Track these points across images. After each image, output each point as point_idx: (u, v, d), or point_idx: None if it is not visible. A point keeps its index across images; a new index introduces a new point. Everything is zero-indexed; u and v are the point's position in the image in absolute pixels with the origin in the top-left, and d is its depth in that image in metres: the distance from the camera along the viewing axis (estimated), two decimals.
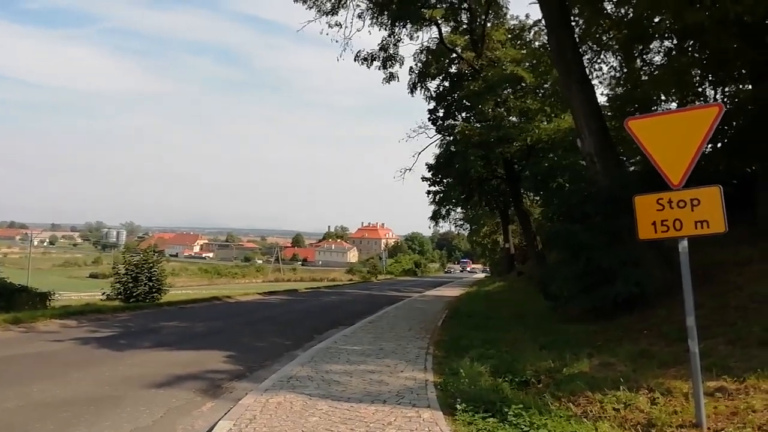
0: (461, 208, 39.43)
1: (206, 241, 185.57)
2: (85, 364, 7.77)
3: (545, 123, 24.79)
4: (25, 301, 15.13)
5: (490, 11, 26.69)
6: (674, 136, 4.92)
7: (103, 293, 22.03)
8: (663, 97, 14.78)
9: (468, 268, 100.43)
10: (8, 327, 11.15)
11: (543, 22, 15.29)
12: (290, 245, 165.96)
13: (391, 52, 26.15)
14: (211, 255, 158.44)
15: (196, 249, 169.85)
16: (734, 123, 12.94)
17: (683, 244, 4.80)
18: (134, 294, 19.86)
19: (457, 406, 5.34)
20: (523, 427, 4.70)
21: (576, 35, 13.23)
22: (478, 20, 27.26)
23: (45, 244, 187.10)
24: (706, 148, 5.38)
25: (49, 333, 10.90)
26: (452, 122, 29.48)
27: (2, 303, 13.78)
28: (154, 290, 20.56)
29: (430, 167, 30.79)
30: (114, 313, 14.65)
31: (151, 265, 20.97)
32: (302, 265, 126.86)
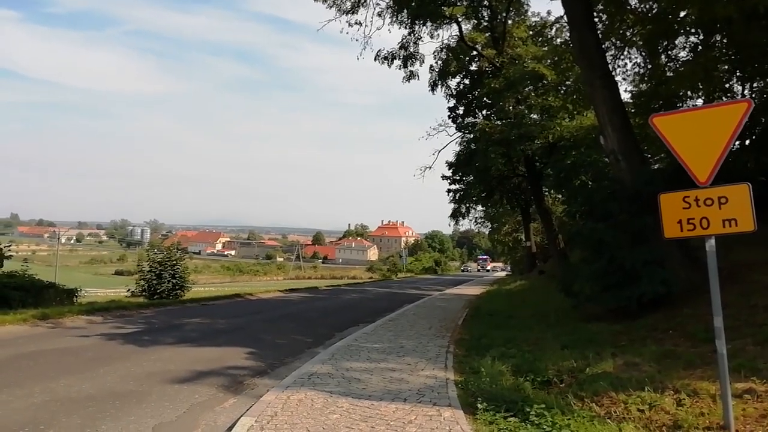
0: (482, 206, 39.21)
1: (228, 239, 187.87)
2: (110, 360, 7.91)
3: (567, 120, 24.43)
4: (53, 297, 15.46)
5: (511, 8, 26.43)
6: (701, 132, 4.82)
7: (128, 290, 22.52)
8: (689, 93, 14.50)
9: (488, 267, 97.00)
10: (36, 322, 11.40)
11: (565, 18, 15.10)
12: (311, 243, 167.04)
13: (411, 50, 25.94)
14: (233, 252, 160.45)
15: (219, 246, 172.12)
16: (762, 119, 12.65)
17: (710, 243, 4.71)
18: (158, 291, 20.23)
19: (478, 405, 5.30)
20: (545, 427, 4.65)
21: (599, 31, 13.03)
22: (499, 17, 27.01)
23: (72, 241, 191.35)
24: (734, 144, 5.26)
25: (76, 328, 11.11)
26: (473, 120, 29.29)
27: (31, 299, 14.10)
28: (177, 287, 20.92)
29: (450, 165, 30.72)
30: (138, 310, 14.90)
31: (174, 262, 21.34)
32: (323, 262, 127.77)
